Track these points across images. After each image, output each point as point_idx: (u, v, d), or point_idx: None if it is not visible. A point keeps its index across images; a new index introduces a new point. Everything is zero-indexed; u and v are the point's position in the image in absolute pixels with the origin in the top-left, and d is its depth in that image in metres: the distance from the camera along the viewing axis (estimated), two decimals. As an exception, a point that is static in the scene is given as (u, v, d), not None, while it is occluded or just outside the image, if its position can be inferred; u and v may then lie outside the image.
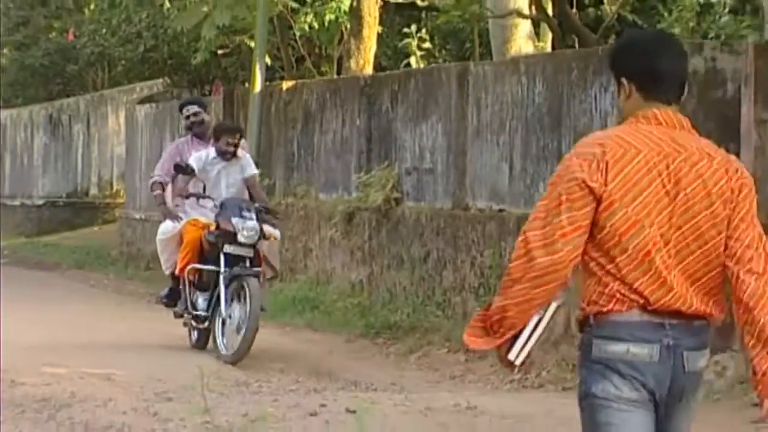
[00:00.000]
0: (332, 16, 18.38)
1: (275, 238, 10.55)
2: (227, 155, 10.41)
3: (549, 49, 15.52)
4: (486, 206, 11.38)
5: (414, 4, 19.07)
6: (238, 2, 16.73)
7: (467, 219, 11.53)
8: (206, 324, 10.29)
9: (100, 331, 11.80)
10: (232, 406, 7.92)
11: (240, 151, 10.60)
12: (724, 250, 3.74)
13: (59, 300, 14.44)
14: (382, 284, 12.70)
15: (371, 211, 12.92)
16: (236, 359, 9.66)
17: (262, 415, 7.48)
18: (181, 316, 10.61)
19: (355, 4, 16.84)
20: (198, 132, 11.03)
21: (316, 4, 18.72)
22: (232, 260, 10.03)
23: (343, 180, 13.84)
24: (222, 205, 10.18)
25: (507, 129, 11.19)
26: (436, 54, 19.24)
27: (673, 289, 3.67)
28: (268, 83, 16.17)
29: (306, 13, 18.56)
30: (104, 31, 23.44)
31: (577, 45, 14.25)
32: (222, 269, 10.03)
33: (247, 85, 17.06)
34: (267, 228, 10.19)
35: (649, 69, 3.75)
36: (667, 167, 3.67)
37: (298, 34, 18.85)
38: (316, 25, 18.51)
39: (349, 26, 17.36)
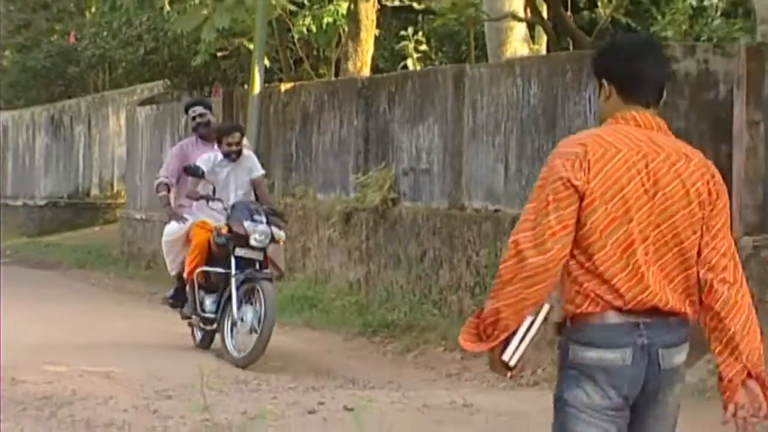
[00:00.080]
0: (330, 19, 18.39)
1: (283, 241, 10.53)
2: (232, 156, 10.35)
3: (544, 51, 15.52)
4: (482, 206, 11.38)
5: (411, 7, 19.09)
6: (237, 5, 16.72)
7: (463, 219, 11.53)
8: (214, 326, 10.21)
9: (100, 330, 11.79)
10: (231, 404, 7.91)
11: (245, 151, 10.55)
12: (698, 256, 3.77)
13: (60, 299, 14.43)
14: (379, 283, 12.70)
15: (369, 211, 12.92)
16: (249, 362, 9.56)
17: (261, 413, 7.47)
18: (189, 317, 10.53)
19: (352, 7, 16.84)
20: (203, 133, 10.96)
21: (315, 7, 18.72)
22: (243, 263, 9.97)
23: (341, 180, 13.83)
24: (232, 209, 10.10)
25: (502, 130, 11.18)
26: (433, 56, 19.25)
27: (650, 286, 3.69)
28: (266, 85, 16.16)
29: (304, 16, 18.57)
30: (105, 33, 23.44)
31: (571, 47, 14.24)
32: (233, 272, 9.94)
33: (246, 86, 17.07)
34: (275, 231, 10.16)
35: (630, 72, 3.80)
36: (647, 166, 3.71)
37: (296, 36, 18.84)
38: (314, 27, 18.52)
39: (346, 29, 17.37)
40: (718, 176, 3.85)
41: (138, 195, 19.02)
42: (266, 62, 17.09)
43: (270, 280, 9.96)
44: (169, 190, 10.80)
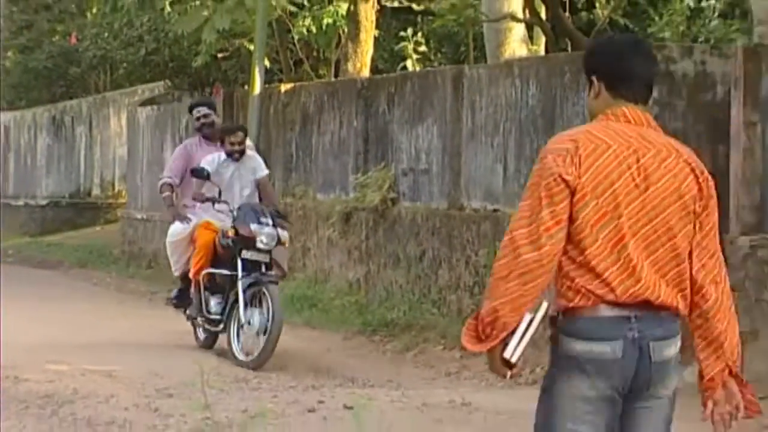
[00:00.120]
0: (330, 20, 18.39)
1: (286, 244, 10.51)
2: (235, 155, 10.31)
3: (542, 52, 15.53)
4: (480, 206, 11.38)
5: (410, 8, 19.09)
6: (237, 6, 16.72)
7: (462, 219, 11.53)
8: (220, 327, 10.15)
9: (102, 329, 11.80)
10: (231, 403, 7.92)
11: (249, 152, 10.52)
12: (689, 256, 3.80)
13: (62, 298, 14.43)
14: (378, 283, 12.70)
15: (368, 211, 12.92)
16: (258, 364, 9.51)
17: (261, 411, 7.48)
18: (194, 318, 10.48)
19: (352, 8, 16.84)
20: (207, 133, 10.89)
21: (315, 8, 18.73)
22: (249, 265, 9.92)
23: (341, 180, 13.83)
24: (238, 211, 10.05)
25: (501, 131, 11.19)
26: (432, 57, 19.25)
27: (641, 279, 3.70)
28: (267, 86, 16.16)
29: (304, 17, 18.57)
30: (106, 34, 23.45)
31: (569, 48, 14.25)
32: (240, 275, 9.89)
33: (246, 87, 17.06)
34: (281, 233, 10.12)
35: (619, 69, 3.83)
36: (637, 161, 3.73)
37: (296, 37, 18.85)
38: (314, 28, 18.52)
39: (346, 30, 17.37)
40: (707, 173, 3.88)
41: (139, 195, 19.02)
42: (266, 63, 17.09)
43: (276, 282, 9.91)
44: (173, 191, 10.70)
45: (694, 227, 3.80)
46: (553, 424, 3.75)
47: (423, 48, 18.25)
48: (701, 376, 3.89)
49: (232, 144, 10.31)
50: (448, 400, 8.23)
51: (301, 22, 18.53)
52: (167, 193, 10.71)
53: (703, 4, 14.66)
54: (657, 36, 14.42)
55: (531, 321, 3.72)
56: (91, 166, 23.97)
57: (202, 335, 10.63)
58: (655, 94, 9.14)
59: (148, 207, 18.48)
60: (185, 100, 20.59)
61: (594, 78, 3.86)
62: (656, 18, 15.15)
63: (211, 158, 10.33)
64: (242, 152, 10.37)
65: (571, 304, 3.71)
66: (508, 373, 3.77)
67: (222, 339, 10.33)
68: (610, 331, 3.69)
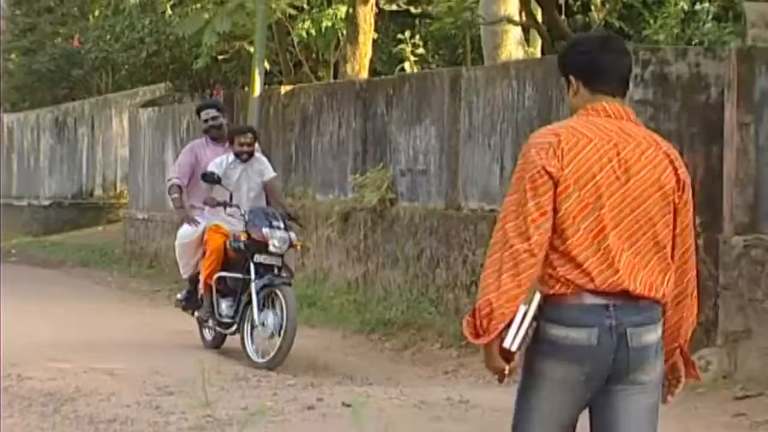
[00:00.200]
0: (329, 23, 18.40)
1: (300, 246, 10.46)
2: (243, 156, 10.23)
3: (538, 54, 15.53)
4: (478, 206, 11.37)
5: (408, 11, 19.10)
6: (238, 9, 16.73)
7: (459, 219, 11.53)
8: (232, 329, 10.07)
9: (103, 328, 11.79)
10: (232, 400, 7.91)
11: (257, 154, 10.44)
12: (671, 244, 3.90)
13: (64, 297, 14.42)
14: (377, 282, 12.70)
15: (367, 211, 12.91)
16: (273, 365, 9.42)
17: (261, 409, 7.47)
18: (206, 321, 10.36)
19: (351, 11, 16.84)
20: (215, 135, 10.80)
21: (314, 11, 18.73)
22: (262, 269, 9.83)
23: (340, 181, 13.83)
24: (250, 214, 9.97)
25: (498, 131, 11.19)
26: (430, 59, 19.26)
27: (620, 270, 3.77)
28: (266, 87, 16.17)
29: (304, 20, 18.57)
30: (108, 37, 23.46)
31: (565, 51, 14.21)
32: (253, 278, 9.79)
33: (246, 89, 17.06)
34: (293, 236, 10.06)
35: (594, 65, 3.90)
36: (618, 154, 3.81)
37: (296, 40, 18.85)
38: (313, 31, 18.52)
39: (345, 32, 17.37)
40: (683, 166, 3.96)
41: (140, 195, 19.01)
42: (266, 65, 17.10)
43: (290, 284, 9.84)
44: (181, 192, 10.60)
45: (674, 217, 3.88)
46: (526, 400, 3.87)
47: (421, 50, 18.24)
48: None
49: (241, 145, 10.23)
50: (446, 397, 8.23)
51: (300, 25, 18.54)
52: (176, 195, 10.60)
53: (697, 7, 14.65)
54: (652, 38, 14.41)
55: (526, 312, 3.76)
56: (93, 167, 23.96)
57: (209, 336, 10.54)
58: (650, 95, 9.20)
59: (149, 207, 18.49)
60: (186, 102, 20.63)
61: (571, 77, 3.93)
62: (651, 21, 15.13)
63: (219, 160, 10.24)
64: (251, 154, 10.29)
65: (551, 291, 3.78)
66: (506, 368, 3.80)
67: (229, 340, 10.29)
68: (587, 319, 3.77)
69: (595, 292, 3.76)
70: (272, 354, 9.51)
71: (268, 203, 10.39)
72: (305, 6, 18.58)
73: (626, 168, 3.80)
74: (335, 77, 18.18)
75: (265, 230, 9.82)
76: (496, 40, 15.15)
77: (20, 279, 16.27)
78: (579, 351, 3.76)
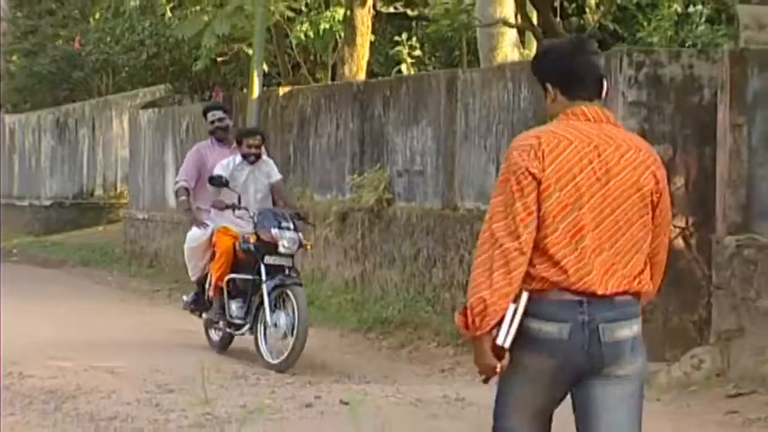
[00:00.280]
0: (327, 25, 18.40)
1: (309, 246, 10.43)
2: (251, 158, 10.19)
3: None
4: (474, 206, 11.37)
5: (405, 13, 19.11)
6: (236, 12, 16.74)
7: (456, 219, 11.53)
8: (242, 331, 10.01)
9: (104, 326, 11.79)
10: (231, 398, 7.92)
11: (264, 156, 10.40)
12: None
13: (65, 296, 14.42)
14: (374, 281, 12.70)
15: (364, 211, 12.91)
16: (287, 366, 9.37)
17: (259, 407, 7.47)
18: (216, 322, 10.27)
19: (348, 13, 16.84)
20: (221, 136, 10.80)
21: (312, 13, 18.74)
22: (272, 270, 9.76)
23: (337, 181, 13.83)
24: (259, 216, 9.92)
25: (494, 132, 11.19)
26: (426, 61, 19.26)
27: (593, 271, 3.85)
28: (265, 89, 16.17)
29: (302, 22, 18.58)
30: (109, 39, 23.43)
31: (560, 53, 14.20)
32: (264, 279, 9.72)
33: (245, 90, 17.06)
34: (302, 236, 10.03)
35: (569, 72, 3.96)
36: (599, 156, 3.88)
37: (294, 42, 18.86)
38: (311, 33, 18.53)
39: (342, 35, 17.37)
40: (662, 166, 4.03)
41: (140, 195, 19.01)
42: (265, 67, 17.09)
43: (300, 284, 9.79)
44: (188, 195, 10.57)
45: (652, 217, 3.96)
46: (503, 388, 3.98)
47: (417, 52, 18.25)
48: None
49: (249, 146, 10.19)
50: (443, 395, 8.24)
51: (298, 27, 18.55)
52: (183, 198, 10.56)
53: (691, 9, 14.66)
54: (646, 41, 14.42)
55: (516, 310, 3.84)
56: (93, 168, 23.95)
57: (216, 338, 10.48)
58: (643, 97, 9.21)
59: (149, 207, 18.48)
60: (185, 103, 20.63)
61: (548, 85, 3.99)
62: (645, 23, 15.14)
63: (226, 162, 10.19)
64: (258, 156, 10.25)
65: (530, 288, 3.86)
66: (498, 366, 3.87)
67: (237, 341, 10.26)
68: (561, 314, 3.85)
69: (569, 290, 3.84)
70: (286, 354, 9.43)
71: (274, 204, 10.36)
72: (303, 8, 18.59)
73: (606, 169, 3.87)
74: (333, 79, 18.18)
75: (275, 231, 9.77)
76: (492, 42, 15.15)
77: (21, 278, 16.27)
78: (551, 344, 3.85)
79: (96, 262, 18.81)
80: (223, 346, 10.38)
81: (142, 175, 18.95)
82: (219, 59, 19.89)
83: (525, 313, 3.85)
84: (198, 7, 18.64)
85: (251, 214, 9.94)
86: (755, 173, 8.65)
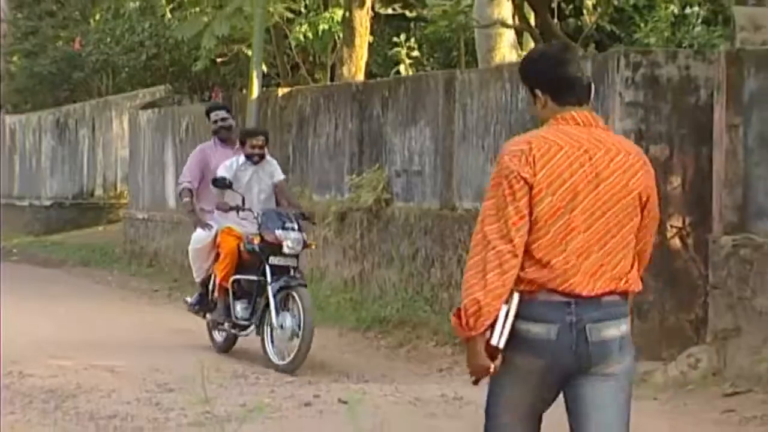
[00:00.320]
0: (326, 26, 18.41)
1: (314, 246, 10.41)
2: (255, 158, 10.17)
3: (531, 57, 15.50)
4: (472, 206, 11.37)
5: (403, 14, 19.11)
6: (236, 13, 16.73)
7: (454, 218, 11.53)
8: (247, 331, 9.97)
9: (104, 326, 11.79)
10: (230, 397, 7.92)
11: (268, 156, 10.38)
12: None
13: (65, 296, 14.42)
14: (373, 281, 12.69)
15: (363, 211, 12.91)
16: (294, 367, 9.31)
17: (259, 406, 7.48)
18: (221, 323, 10.21)
19: (347, 14, 16.84)
20: (224, 136, 10.76)
21: (311, 14, 18.74)
22: (277, 270, 9.72)
23: (336, 181, 13.83)
24: (263, 217, 9.88)
25: (492, 133, 11.19)
26: (425, 62, 19.27)
27: (578, 273, 3.89)
28: (264, 89, 16.17)
29: (301, 24, 18.58)
30: (109, 40, 23.44)
31: (558, 54, 14.20)
32: (269, 280, 9.68)
33: (244, 91, 17.06)
34: (306, 237, 9.99)
35: (558, 79, 3.99)
36: (589, 160, 3.91)
37: (293, 43, 18.86)
38: (310, 34, 18.53)
39: (341, 36, 17.37)
40: (651, 169, 4.07)
41: (140, 195, 19.00)
42: (264, 68, 17.09)
43: (305, 285, 9.74)
44: (192, 196, 10.54)
45: (641, 218, 4.00)
46: (494, 387, 4.01)
47: (416, 53, 18.25)
48: None
49: (253, 147, 10.16)
50: (441, 394, 8.23)
51: (297, 28, 18.55)
52: (187, 199, 10.53)
53: (687, 11, 14.67)
54: (643, 41, 14.43)
55: (508, 311, 3.88)
56: (93, 168, 23.95)
57: (219, 339, 10.44)
58: (641, 97, 9.21)
59: (149, 207, 18.47)
60: (185, 104, 20.63)
61: (537, 91, 4.02)
62: (642, 24, 15.15)
63: (229, 163, 10.17)
64: (262, 156, 10.23)
65: (519, 289, 3.90)
66: (491, 366, 3.90)
67: (241, 341, 10.25)
68: (549, 315, 3.89)
69: (557, 291, 3.88)
70: (292, 356, 9.38)
71: (278, 204, 10.34)
72: (302, 10, 18.59)
73: (597, 173, 3.90)
74: (332, 79, 18.18)
75: (279, 232, 9.73)
76: (490, 43, 15.16)
77: (21, 278, 16.26)
78: (539, 345, 3.89)
79: (96, 262, 18.81)
80: (227, 347, 10.35)
81: (142, 175, 18.95)
82: (218, 60, 19.90)
83: (515, 315, 3.89)
84: (197, 9, 18.64)
85: (255, 214, 9.92)
86: (751, 173, 8.65)
